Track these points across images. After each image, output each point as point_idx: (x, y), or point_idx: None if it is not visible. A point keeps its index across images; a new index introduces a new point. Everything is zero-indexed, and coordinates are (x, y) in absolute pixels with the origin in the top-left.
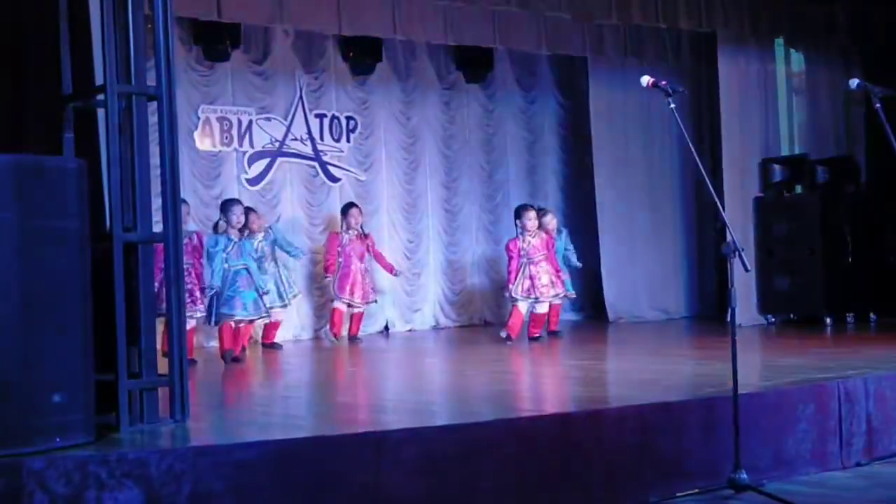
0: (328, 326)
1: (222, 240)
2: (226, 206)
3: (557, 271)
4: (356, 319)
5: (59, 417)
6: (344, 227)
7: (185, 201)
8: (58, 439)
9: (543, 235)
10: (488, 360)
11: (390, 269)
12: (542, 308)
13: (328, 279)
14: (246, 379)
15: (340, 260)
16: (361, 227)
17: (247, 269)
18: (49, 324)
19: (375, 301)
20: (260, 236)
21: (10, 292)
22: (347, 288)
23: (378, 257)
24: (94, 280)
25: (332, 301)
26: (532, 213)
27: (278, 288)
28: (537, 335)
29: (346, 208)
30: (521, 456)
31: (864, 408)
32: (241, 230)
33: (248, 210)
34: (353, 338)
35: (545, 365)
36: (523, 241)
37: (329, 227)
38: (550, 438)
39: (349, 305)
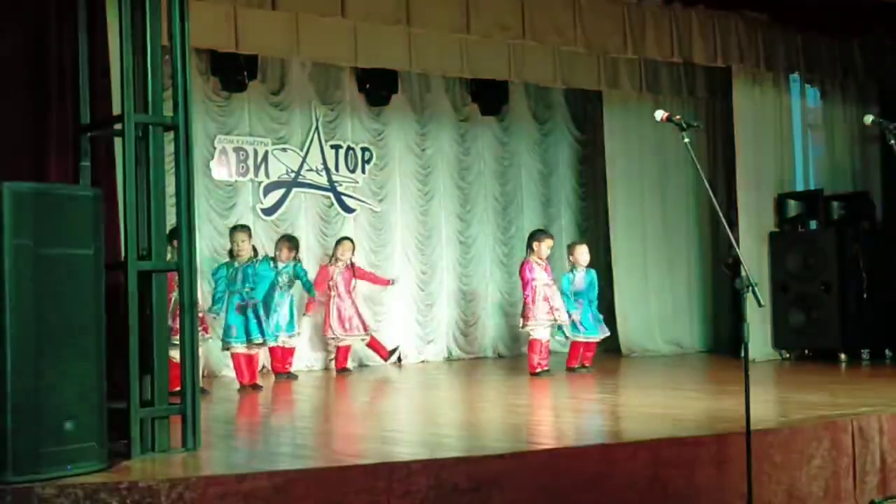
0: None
1: (222, 267)
2: (231, 232)
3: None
4: (343, 352)
5: (70, 445)
6: (333, 260)
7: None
8: (69, 466)
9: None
10: (501, 393)
11: (385, 282)
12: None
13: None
14: (257, 408)
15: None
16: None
17: (240, 295)
18: (62, 351)
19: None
20: (283, 266)
21: (25, 319)
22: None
23: (369, 277)
24: (108, 307)
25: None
26: (551, 242)
27: (292, 316)
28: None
29: (340, 241)
30: (532, 489)
31: (878, 445)
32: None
33: (284, 239)
34: (343, 370)
35: (558, 398)
36: (538, 265)
37: None
38: (562, 472)
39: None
